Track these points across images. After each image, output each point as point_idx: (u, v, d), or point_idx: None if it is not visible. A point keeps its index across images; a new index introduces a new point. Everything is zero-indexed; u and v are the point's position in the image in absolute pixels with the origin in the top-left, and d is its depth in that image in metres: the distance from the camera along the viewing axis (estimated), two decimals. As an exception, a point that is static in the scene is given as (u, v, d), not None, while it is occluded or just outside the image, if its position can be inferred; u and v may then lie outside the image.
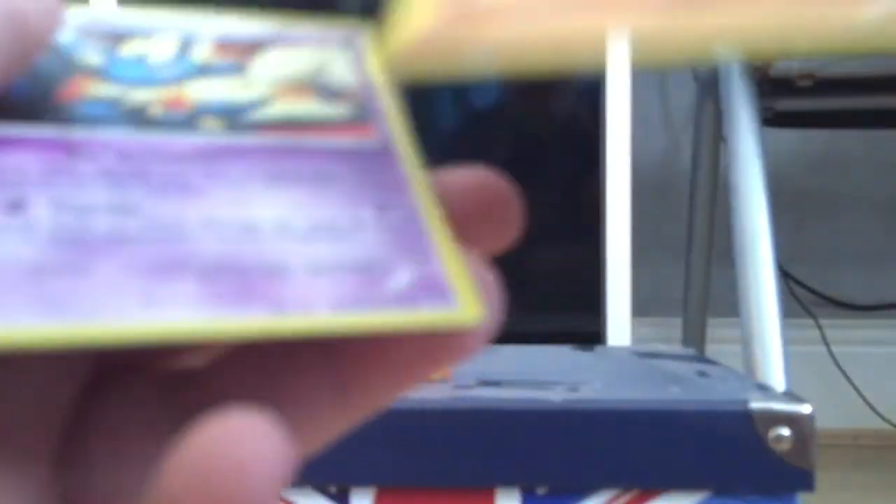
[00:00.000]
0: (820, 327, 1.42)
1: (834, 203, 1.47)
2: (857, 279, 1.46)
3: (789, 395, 0.39)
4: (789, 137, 1.46)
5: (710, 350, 1.36)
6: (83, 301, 0.13)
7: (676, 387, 0.42)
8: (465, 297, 0.16)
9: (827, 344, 1.42)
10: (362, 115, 0.18)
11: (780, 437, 0.37)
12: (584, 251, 0.74)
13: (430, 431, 0.38)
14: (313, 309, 0.14)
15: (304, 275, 0.15)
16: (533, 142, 0.75)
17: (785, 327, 0.74)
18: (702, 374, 0.46)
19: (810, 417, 0.37)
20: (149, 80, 0.17)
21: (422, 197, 0.18)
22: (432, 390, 0.42)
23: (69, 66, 0.16)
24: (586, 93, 0.75)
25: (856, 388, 1.41)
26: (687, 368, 0.49)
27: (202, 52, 0.17)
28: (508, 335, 0.79)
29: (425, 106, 0.77)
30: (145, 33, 0.17)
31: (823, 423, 1.42)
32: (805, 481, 0.37)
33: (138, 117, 0.16)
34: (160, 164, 0.16)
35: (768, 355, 0.72)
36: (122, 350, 0.15)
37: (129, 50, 0.17)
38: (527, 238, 0.68)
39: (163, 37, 0.18)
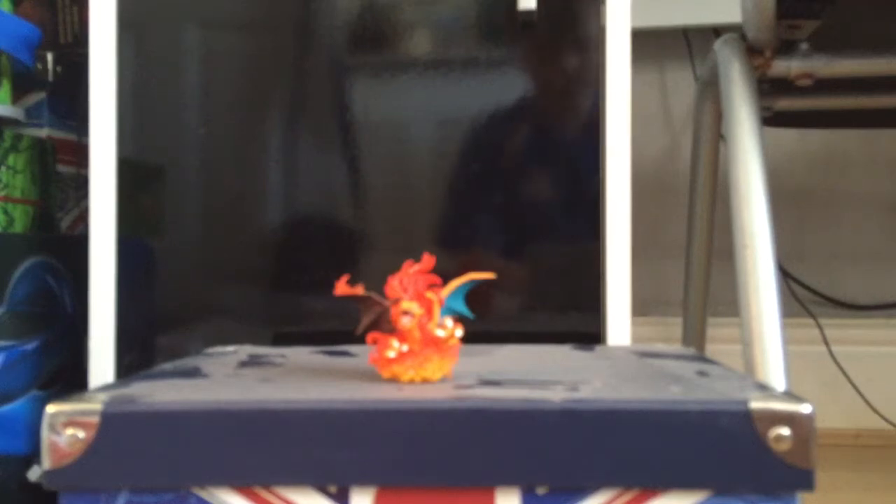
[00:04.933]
0: (820, 327, 1.42)
1: (834, 203, 1.47)
2: (857, 279, 1.46)
3: (789, 395, 0.39)
4: (789, 137, 1.46)
5: (710, 350, 1.37)
6: None
7: (676, 387, 0.42)
8: None
9: (827, 344, 1.42)
10: None
11: (780, 437, 0.37)
12: (584, 251, 0.74)
13: (430, 431, 0.38)
14: None
15: None
16: (532, 141, 0.75)
17: (785, 327, 0.74)
18: (702, 373, 0.46)
19: (810, 417, 0.37)
20: None
21: None
22: (432, 390, 0.42)
23: None
24: (586, 93, 0.75)
25: (856, 388, 1.41)
26: (687, 368, 0.49)
27: None
28: (508, 335, 0.80)
29: (425, 106, 0.77)
30: None
31: (823, 423, 1.42)
32: (805, 481, 0.37)
33: None
34: None
35: (768, 355, 0.72)
36: None
37: None
38: (527, 238, 0.69)
39: None
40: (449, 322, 0.45)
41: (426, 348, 0.44)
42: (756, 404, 0.38)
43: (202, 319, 0.78)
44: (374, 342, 0.45)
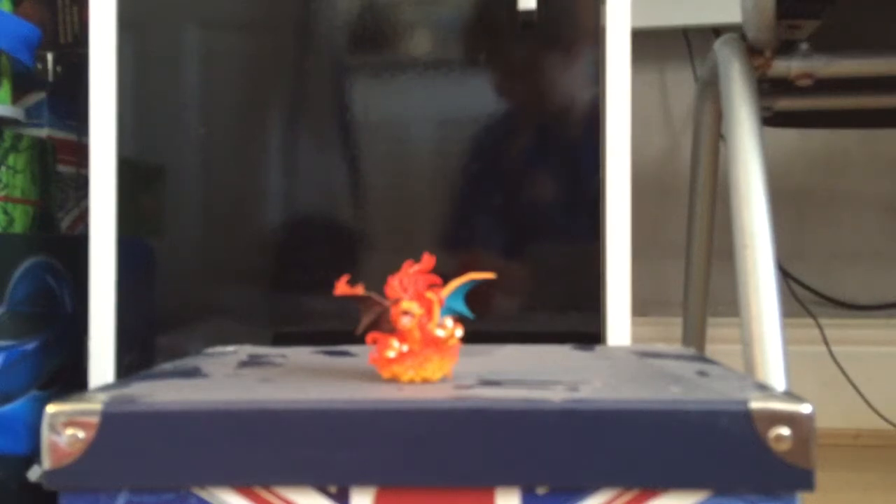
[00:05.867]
0: (820, 327, 1.42)
1: (834, 202, 1.47)
2: (857, 279, 1.46)
3: (789, 395, 0.39)
4: (789, 137, 1.46)
5: (710, 350, 1.37)
6: None
7: (676, 387, 0.42)
8: None
9: (827, 344, 1.42)
10: None
11: (780, 437, 0.37)
12: (584, 251, 0.74)
13: (430, 431, 0.38)
14: None
15: None
16: (532, 141, 0.75)
17: (785, 327, 0.74)
18: (702, 373, 0.46)
19: (810, 417, 0.37)
20: None
21: None
22: (432, 390, 0.42)
23: None
24: (586, 93, 0.75)
25: (856, 388, 1.41)
26: (687, 368, 0.49)
27: None
28: (508, 335, 0.80)
29: (425, 106, 0.77)
30: None
31: (823, 423, 1.42)
32: (805, 481, 0.37)
33: None
34: None
35: (768, 355, 0.72)
36: None
37: None
38: (527, 238, 0.69)
39: None
40: (449, 322, 0.45)
41: (426, 348, 0.44)
42: (756, 404, 0.38)
43: (202, 319, 0.78)
44: (374, 342, 0.45)
